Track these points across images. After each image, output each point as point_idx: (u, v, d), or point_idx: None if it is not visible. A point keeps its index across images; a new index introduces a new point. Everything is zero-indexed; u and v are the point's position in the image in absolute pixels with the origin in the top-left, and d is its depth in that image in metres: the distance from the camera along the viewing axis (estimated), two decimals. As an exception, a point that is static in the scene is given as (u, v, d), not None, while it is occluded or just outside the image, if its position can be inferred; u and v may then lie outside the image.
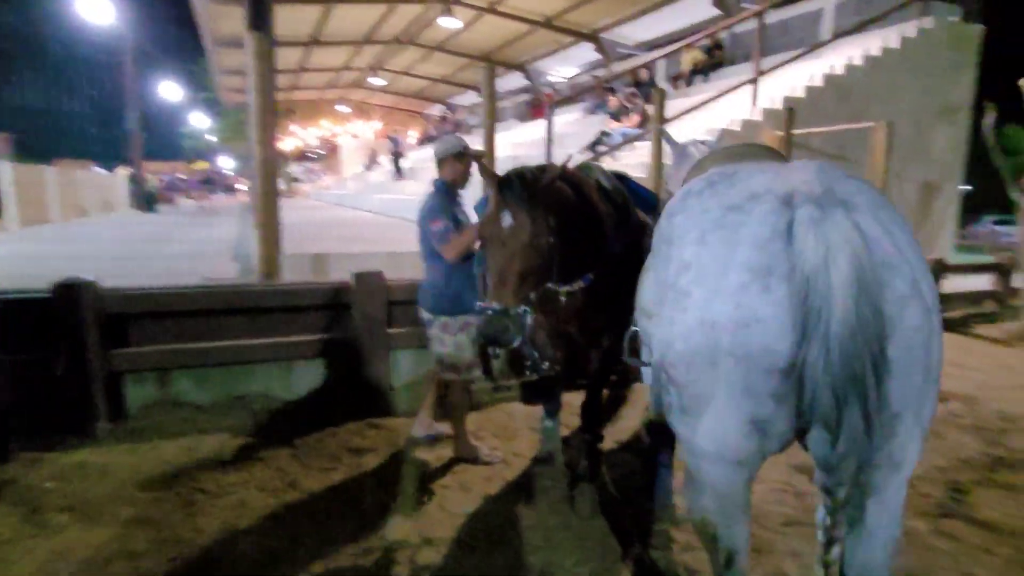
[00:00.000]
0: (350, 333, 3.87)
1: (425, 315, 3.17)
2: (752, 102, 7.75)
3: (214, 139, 31.58)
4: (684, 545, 2.57)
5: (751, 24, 10.10)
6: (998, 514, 2.85)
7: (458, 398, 3.24)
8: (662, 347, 1.43)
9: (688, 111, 7.42)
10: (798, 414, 1.24)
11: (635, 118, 8.24)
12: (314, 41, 16.21)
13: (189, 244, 9.00)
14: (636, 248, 2.75)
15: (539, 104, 16.11)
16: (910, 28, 8.53)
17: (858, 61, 8.18)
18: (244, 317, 3.70)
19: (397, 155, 16.64)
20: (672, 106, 8.93)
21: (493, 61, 17.96)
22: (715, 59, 11.91)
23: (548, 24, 14.67)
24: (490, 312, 2.05)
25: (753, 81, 7.66)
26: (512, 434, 3.62)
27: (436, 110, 24.52)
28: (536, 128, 13.93)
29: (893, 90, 8.29)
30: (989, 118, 6.51)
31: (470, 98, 23.11)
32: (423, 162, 16.63)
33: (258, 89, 3.79)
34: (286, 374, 3.83)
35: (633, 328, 2.43)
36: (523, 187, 2.15)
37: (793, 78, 8.28)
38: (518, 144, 12.55)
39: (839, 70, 8.05)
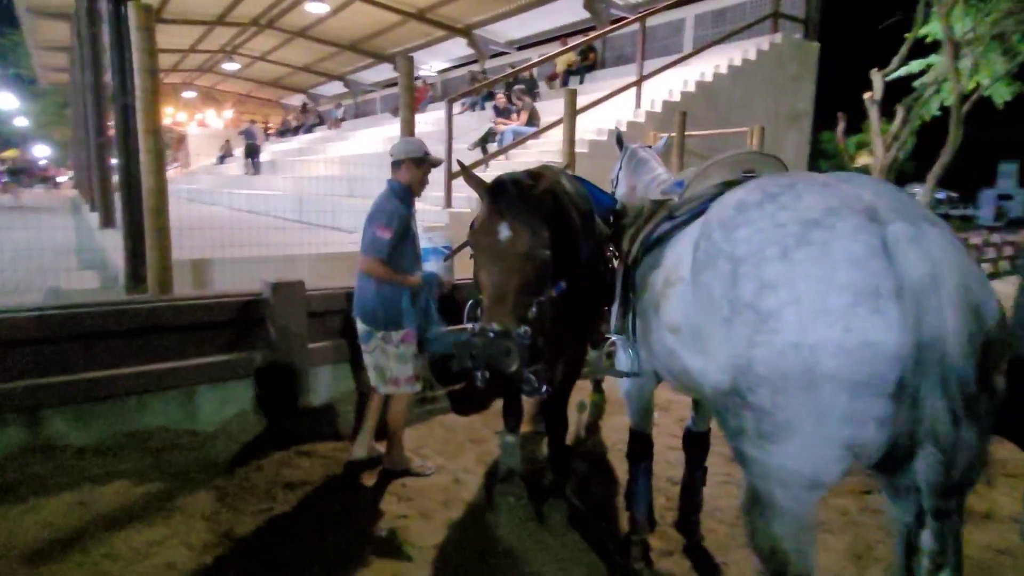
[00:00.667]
0: (266, 351, 3.43)
1: (362, 327, 3.03)
2: (636, 104, 8.08)
3: (26, 124, 27.15)
4: (661, 552, 2.57)
5: (622, 29, 10.60)
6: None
7: (399, 411, 3.12)
8: (732, 371, 1.36)
9: (583, 109, 7.51)
10: (900, 435, 1.22)
11: (524, 116, 8.25)
12: (156, 18, 14.54)
13: (7, 250, 7.57)
14: (599, 256, 2.69)
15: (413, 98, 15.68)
16: (764, 42, 9.37)
17: (723, 70, 8.84)
18: (133, 339, 3.14)
19: (252, 148, 14.98)
20: (551, 107, 9.12)
21: (360, 51, 17.25)
22: (588, 61, 12.32)
23: (421, 16, 14.33)
24: (490, 334, 1.86)
25: (637, 84, 7.98)
26: (456, 449, 3.43)
27: (297, 100, 23.07)
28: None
29: (751, 97, 9.07)
30: (840, 126, 7.31)
31: (334, 88, 22.05)
32: (286, 155, 15.53)
33: (143, 69, 3.21)
34: (189, 403, 3.31)
35: (611, 337, 2.39)
36: (520, 196, 1.99)
37: (668, 83, 8.76)
38: (391, 139, 12.10)
39: (708, 77, 8.64)
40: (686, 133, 7.41)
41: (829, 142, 21.84)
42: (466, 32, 15.20)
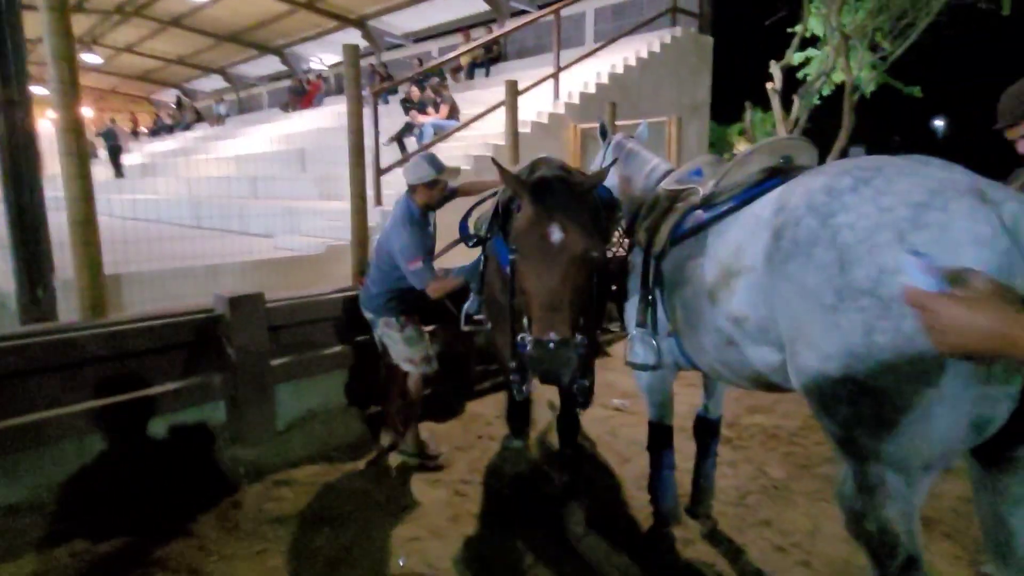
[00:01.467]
0: (223, 373, 3.07)
1: (368, 315, 3.23)
2: (554, 95, 8.12)
3: None
4: (683, 541, 2.57)
5: (523, 22, 10.64)
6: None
7: (414, 391, 3.24)
8: (846, 358, 1.34)
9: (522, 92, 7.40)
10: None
11: (444, 109, 8.04)
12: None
13: None
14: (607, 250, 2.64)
15: (306, 92, 14.88)
16: (666, 36, 9.75)
17: (632, 62, 9.10)
18: (66, 374, 2.69)
19: (115, 150, 13.12)
20: (463, 98, 8.98)
21: (243, 42, 16.14)
22: (492, 53, 12.25)
23: (311, 6, 13.60)
24: (550, 345, 1.74)
25: (555, 76, 8.01)
26: (444, 459, 3.25)
27: (170, 95, 21.16)
28: (307, 119, 12.85)
29: (658, 88, 9.42)
30: (748, 116, 7.75)
31: (213, 83, 20.46)
32: (166, 156, 14.19)
33: (57, 56, 2.73)
34: (129, 439, 2.90)
35: (634, 331, 2.33)
36: (570, 193, 1.87)
37: (580, 74, 8.88)
38: (290, 136, 11.41)
39: (620, 69, 8.86)
40: (622, 123, 7.57)
41: (713, 131, 23.27)
42: (360, 23, 14.63)
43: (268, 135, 12.50)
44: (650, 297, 2.19)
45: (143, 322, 2.91)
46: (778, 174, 1.88)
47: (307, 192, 8.25)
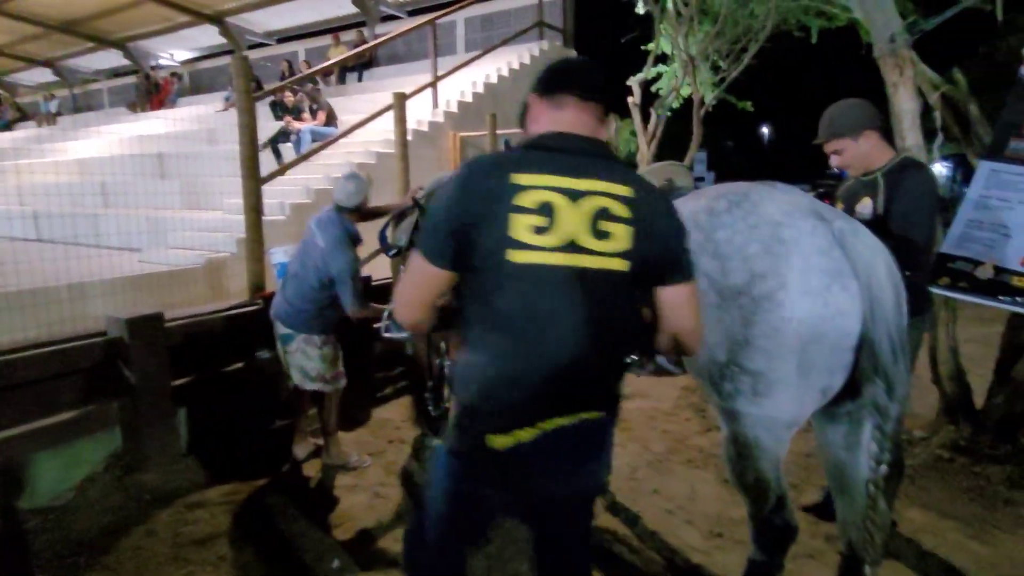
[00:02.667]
0: (121, 398, 2.94)
1: (283, 330, 3.17)
2: (433, 104, 8.29)
3: None
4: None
5: (395, 27, 10.72)
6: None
7: (331, 408, 3.30)
8: (730, 345, 1.69)
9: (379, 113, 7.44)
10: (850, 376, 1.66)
11: (322, 115, 7.90)
12: None
13: None
14: None
15: (156, 91, 13.78)
16: (534, 48, 10.28)
17: (504, 72, 9.51)
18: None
19: None
20: (336, 103, 8.87)
21: (77, 33, 14.60)
22: (365, 58, 12.13)
23: (160, -2, 12.60)
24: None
25: (433, 84, 8.18)
26: (380, 451, 3.36)
27: (-18, 89, 18.51)
28: (162, 121, 11.90)
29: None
30: (613, 126, 8.42)
31: (39, 75, 18.21)
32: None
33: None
34: (20, 479, 2.70)
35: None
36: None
37: (455, 83, 9.12)
38: (143, 139, 10.55)
39: (493, 79, 9.22)
40: (509, 131, 7.88)
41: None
42: (218, 20, 13.80)
43: (116, 137, 11.45)
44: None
45: (27, 351, 2.72)
46: (671, 194, 2.24)
47: (170, 201, 7.73)
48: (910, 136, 2.99)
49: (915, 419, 3.63)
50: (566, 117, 1.35)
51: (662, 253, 1.29)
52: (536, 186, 1.23)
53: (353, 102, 9.68)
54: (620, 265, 1.25)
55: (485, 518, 1.47)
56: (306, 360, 3.15)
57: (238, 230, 5.45)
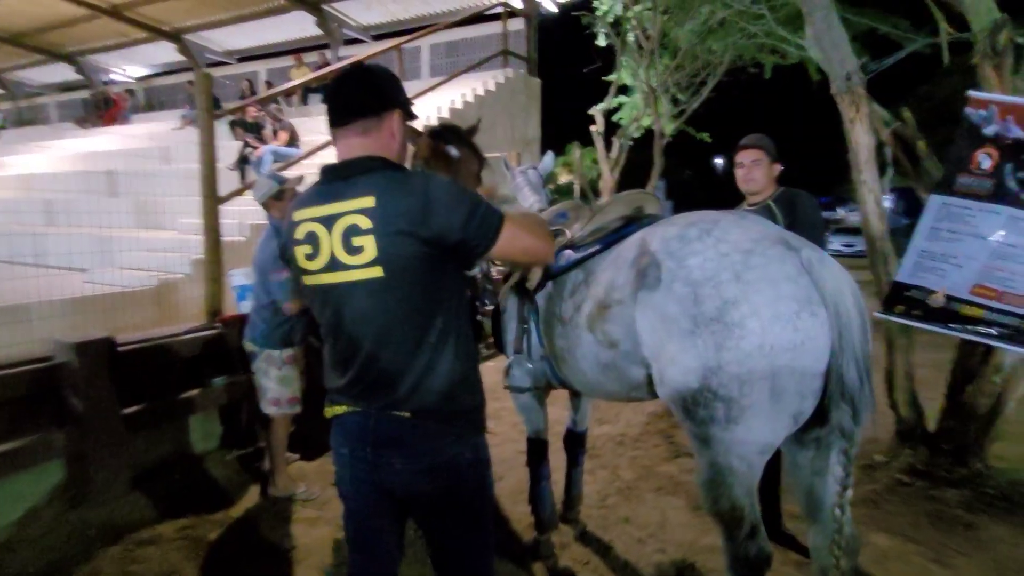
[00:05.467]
0: (65, 428, 2.77)
1: (251, 347, 3.16)
2: (399, 127, 8.25)
3: None
4: (559, 545, 2.85)
5: (359, 50, 10.72)
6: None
7: (280, 433, 3.20)
8: (702, 371, 1.69)
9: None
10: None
11: (284, 136, 7.78)
12: None
13: None
14: None
15: (108, 107, 13.37)
16: (499, 75, 10.40)
17: (470, 98, 9.58)
18: None
19: None
20: (298, 124, 8.76)
21: (25, 45, 14.13)
22: (328, 81, 12.04)
23: (116, 14, 12.32)
24: None
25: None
26: (325, 499, 3.22)
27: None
28: (113, 138, 11.55)
29: (493, 124, 10.00)
30: (576, 152, 8.56)
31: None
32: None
33: None
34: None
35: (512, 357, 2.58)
36: None
37: (422, 108, 9.14)
38: (94, 156, 10.18)
39: (459, 104, 9.28)
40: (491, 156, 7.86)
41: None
42: (176, 37, 13.56)
43: (63, 153, 11.04)
44: (526, 326, 2.47)
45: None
46: (633, 222, 2.26)
47: (121, 220, 7.45)
48: (866, 169, 3.11)
49: (875, 443, 3.71)
50: (340, 148, 1.46)
51: (438, 234, 1.34)
52: (304, 219, 1.43)
53: (316, 123, 9.57)
54: (374, 273, 1.35)
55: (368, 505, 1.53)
56: (265, 380, 3.11)
57: (194, 251, 5.29)
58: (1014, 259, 3.02)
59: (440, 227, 1.33)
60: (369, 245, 1.34)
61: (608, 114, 11.17)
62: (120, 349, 2.96)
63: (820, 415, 1.72)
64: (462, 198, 1.37)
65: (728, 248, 1.74)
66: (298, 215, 1.44)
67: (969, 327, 3.10)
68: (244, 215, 6.18)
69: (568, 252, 2.33)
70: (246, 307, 3.63)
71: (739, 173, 2.83)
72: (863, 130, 3.04)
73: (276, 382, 3.11)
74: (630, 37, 9.67)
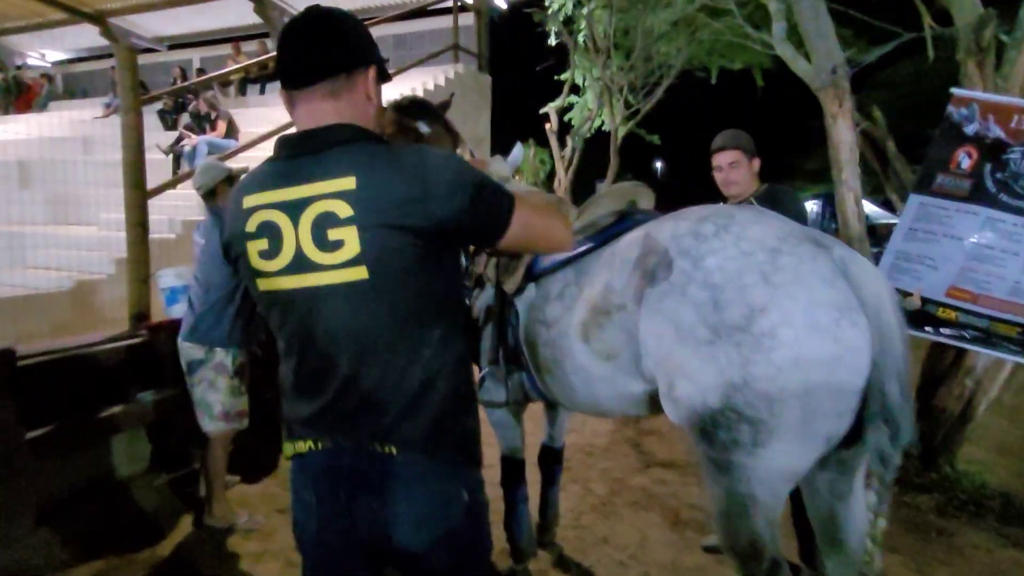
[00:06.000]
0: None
1: (193, 353, 2.79)
2: (345, 121, 7.84)
3: None
4: (537, 572, 2.60)
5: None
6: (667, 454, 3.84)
7: (220, 452, 2.85)
8: (725, 389, 1.48)
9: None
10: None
11: (221, 126, 7.23)
12: None
13: None
14: None
15: (21, 93, 12.30)
16: (450, 71, 10.10)
17: (420, 92, 9.23)
18: None
19: None
20: (236, 116, 8.19)
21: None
22: (268, 70, 11.42)
23: (30, -9, 11.29)
24: None
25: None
26: (270, 529, 2.86)
27: None
28: (25, 125, 10.53)
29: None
30: (531, 151, 8.35)
31: None
32: None
33: None
34: None
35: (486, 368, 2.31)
36: None
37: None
38: (2, 145, 9.25)
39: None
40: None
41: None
42: (98, 19, 12.55)
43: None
44: (503, 336, 2.21)
45: None
46: (627, 217, 2.04)
47: (32, 214, 6.75)
48: (847, 167, 3.01)
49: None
50: (301, 115, 1.15)
51: (438, 223, 1.07)
52: (257, 206, 1.12)
53: (255, 115, 9.01)
54: (356, 273, 1.07)
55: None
56: (211, 392, 2.77)
57: (117, 248, 4.80)
58: (991, 261, 2.98)
59: (440, 215, 1.06)
60: (350, 238, 1.05)
61: (561, 113, 11.04)
62: (22, 363, 2.52)
63: (851, 434, 1.54)
64: (465, 177, 1.10)
65: (751, 246, 1.53)
66: (248, 201, 1.13)
67: (943, 330, 3.05)
68: (175, 210, 5.68)
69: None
70: (177, 311, 3.24)
71: (718, 177, 2.64)
72: (845, 126, 2.94)
73: (226, 393, 2.78)
74: (581, 36, 9.57)
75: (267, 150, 5.35)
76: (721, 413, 1.51)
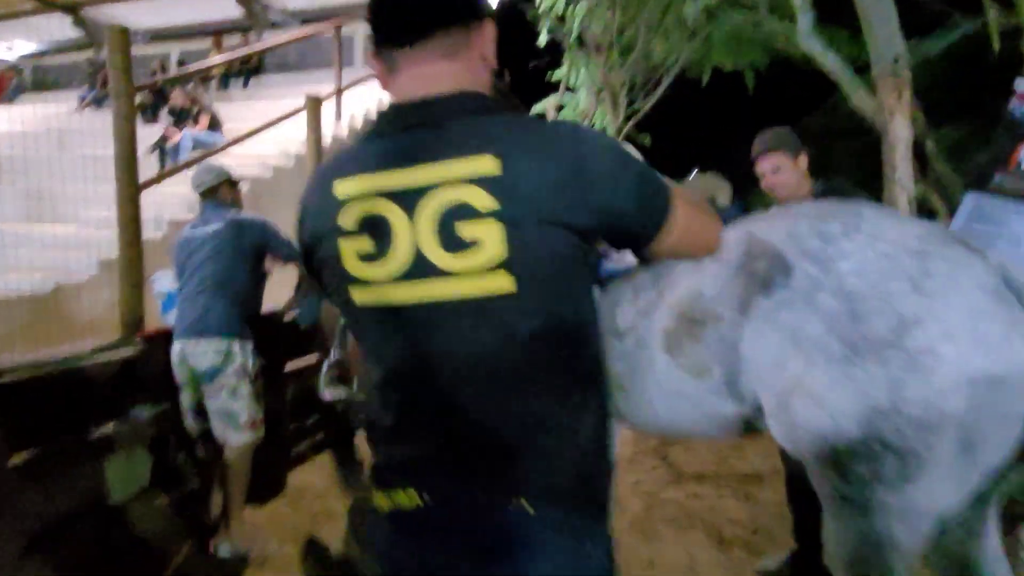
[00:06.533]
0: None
1: (210, 360, 2.58)
2: (336, 117, 7.55)
3: None
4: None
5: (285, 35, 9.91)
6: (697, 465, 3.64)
7: (244, 467, 2.67)
8: (867, 414, 1.27)
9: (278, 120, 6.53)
10: None
11: (204, 120, 6.89)
12: None
13: None
14: None
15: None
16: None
17: (412, 89, 8.97)
18: None
19: None
20: (222, 111, 7.84)
21: None
22: (251, 64, 11.05)
23: (-1, -21, 10.79)
24: None
25: (338, 94, 7.46)
26: (303, 531, 2.60)
27: None
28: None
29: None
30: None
31: None
32: None
33: None
34: None
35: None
36: None
37: (360, 97, 8.44)
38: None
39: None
40: None
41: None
42: (71, 8, 12.07)
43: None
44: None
45: None
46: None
47: (6, 212, 6.37)
48: (902, 165, 2.84)
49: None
50: (401, 83, 0.91)
51: (602, 220, 0.86)
52: (357, 195, 0.87)
53: (238, 110, 8.66)
54: (498, 284, 0.82)
55: None
56: (234, 400, 2.61)
57: (100, 248, 4.48)
58: (1050, 263, 2.85)
59: (603, 208, 0.83)
60: (490, 237, 0.81)
61: (557, 111, 10.83)
62: (6, 379, 2.22)
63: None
64: (628, 160, 0.88)
65: (890, 248, 1.32)
66: (342, 188, 0.88)
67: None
68: (162, 207, 5.34)
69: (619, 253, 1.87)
70: (174, 318, 2.96)
71: (764, 185, 2.45)
72: (903, 121, 2.77)
73: (250, 399, 2.65)
74: (572, 37, 9.38)
75: (258, 147, 5.09)
76: (861, 443, 1.29)
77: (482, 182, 0.81)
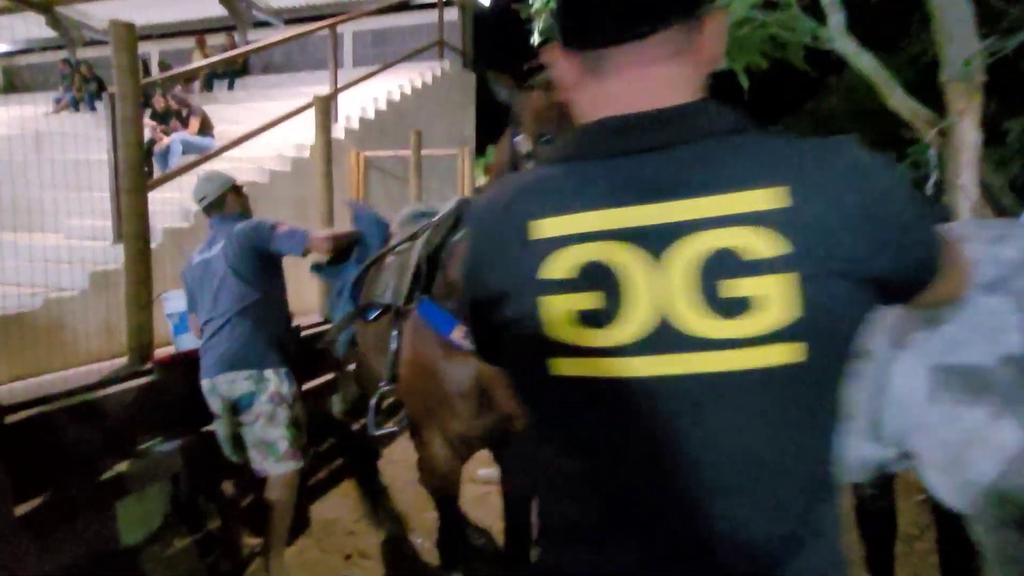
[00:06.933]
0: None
1: (243, 387, 2.37)
2: (332, 119, 7.26)
3: None
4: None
5: (269, 35, 9.61)
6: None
7: (286, 503, 2.44)
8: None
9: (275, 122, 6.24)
10: None
11: (195, 123, 6.57)
12: None
13: None
14: None
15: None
16: (436, 67, 9.61)
17: (407, 90, 8.73)
18: None
19: None
20: (214, 113, 7.52)
21: None
22: (237, 65, 10.68)
23: (-32, -25, 10.30)
24: None
25: (333, 96, 7.18)
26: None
27: None
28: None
29: (431, 119, 9.19)
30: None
31: None
32: None
33: None
34: None
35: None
36: None
37: (355, 98, 8.17)
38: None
39: (396, 96, 8.41)
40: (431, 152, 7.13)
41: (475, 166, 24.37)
42: (45, 7, 11.60)
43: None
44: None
45: None
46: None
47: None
48: (967, 171, 2.71)
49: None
50: (610, 86, 0.68)
51: (895, 268, 0.64)
52: (573, 235, 0.65)
53: (224, 111, 8.32)
54: (786, 355, 0.61)
55: None
56: (271, 428, 2.40)
57: (90, 260, 4.20)
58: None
59: (895, 255, 0.63)
60: (777, 293, 0.60)
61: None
62: (11, 419, 1.96)
63: None
64: (913, 195, 0.67)
65: None
66: (547, 227, 0.66)
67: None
68: (155, 216, 5.00)
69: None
70: (187, 341, 2.73)
71: None
72: (971, 125, 2.63)
73: (288, 426, 2.42)
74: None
75: (252, 150, 4.81)
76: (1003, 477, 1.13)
77: (763, 219, 0.60)
